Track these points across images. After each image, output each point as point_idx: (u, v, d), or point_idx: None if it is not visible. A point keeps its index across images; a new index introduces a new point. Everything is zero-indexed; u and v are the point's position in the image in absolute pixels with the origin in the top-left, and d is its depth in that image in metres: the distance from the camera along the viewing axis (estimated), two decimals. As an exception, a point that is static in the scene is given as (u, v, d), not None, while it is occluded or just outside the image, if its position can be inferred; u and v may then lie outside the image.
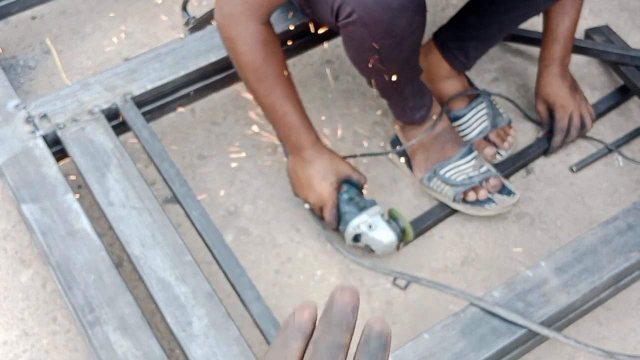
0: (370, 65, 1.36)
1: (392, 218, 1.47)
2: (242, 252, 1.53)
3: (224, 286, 1.37)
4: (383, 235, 1.44)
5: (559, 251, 1.31)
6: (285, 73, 1.40)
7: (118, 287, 1.26)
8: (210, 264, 1.42)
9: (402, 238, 1.47)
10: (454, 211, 1.58)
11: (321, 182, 1.45)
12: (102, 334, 1.20)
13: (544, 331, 1.22)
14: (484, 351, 1.20)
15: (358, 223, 1.44)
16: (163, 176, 1.43)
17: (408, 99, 1.49)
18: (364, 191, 1.51)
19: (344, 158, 1.52)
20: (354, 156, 1.61)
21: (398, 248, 1.49)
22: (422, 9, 1.31)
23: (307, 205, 1.50)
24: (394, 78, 1.40)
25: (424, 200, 1.61)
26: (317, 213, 1.49)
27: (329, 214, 1.45)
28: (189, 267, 1.29)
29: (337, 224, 1.46)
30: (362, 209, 1.45)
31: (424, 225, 1.55)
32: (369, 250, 1.46)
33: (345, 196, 1.46)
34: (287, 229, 1.58)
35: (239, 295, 1.29)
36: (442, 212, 1.57)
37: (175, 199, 1.43)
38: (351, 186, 1.48)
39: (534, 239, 1.56)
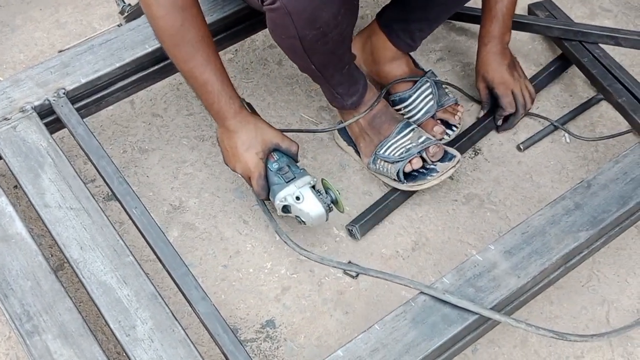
0: (294, 52, 1.32)
1: (324, 188, 1.44)
2: (189, 248, 1.49)
3: (171, 283, 1.33)
4: (311, 207, 1.40)
5: (508, 234, 1.30)
6: (207, 39, 1.34)
7: (57, 293, 1.21)
8: (155, 261, 1.38)
9: (335, 208, 1.43)
10: (404, 198, 1.55)
11: (246, 152, 1.41)
12: (41, 344, 1.15)
13: (495, 316, 1.21)
14: (436, 340, 1.18)
15: (285, 195, 1.40)
16: (101, 174, 1.37)
17: (336, 86, 1.46)
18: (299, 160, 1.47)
19: (277, 130, 1.46)
20: (290, 131, 1.56)
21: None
22: (349, 2, 1.28)
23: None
24: (319, 66, 1.36)
25: (373, 186, 1.59)
26: (247, 183, 1.45)
27: (256, 184, 1.41)
28: (130, 269, 1.24)
29: (266, 194, 1.43)
30: (290, 180, 1.40)
31: (376, 215, 1.52)
32: (299, 221, 1.43)
33: (275, 166, 1.42)
34: (235, 221, 1.54)
35: (184, 295, 1.25)
36: (393, 200, 1.54)
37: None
38: (282, 155, 1.44)
39: (483, 220, 1.55)
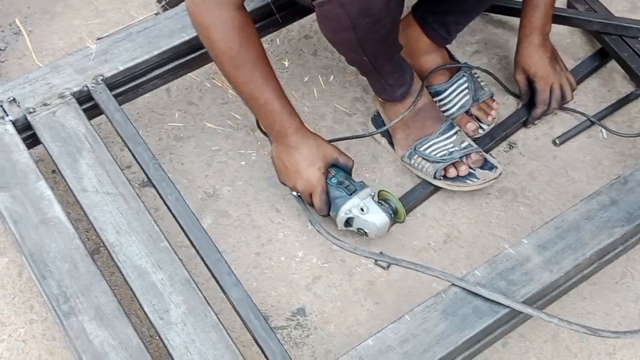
0: (347, 45, 1.32)
1: (382, 199, 1.45)
2: (222, 235, 1.51)
3: (204, 270, 1.35)
4: (376, 217, 1.41)
5: (542, 228, 1.29)
6: (264, 57, 1.35)
7: (93, 276, 1.23)
8: (189, 247, 1.40)
9: (394, 219, 1.45)
10: (437, 189, 1.55)
11: (308, 168, 1.42)
12: (78, 324, 1.18)
13: (527, 310, 1.20)
14: (467, 332, 1.18)
15: (350, 207, 1.41)
16: (137, 161, 1.39)
17: (387, 77, 1.46)
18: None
19: (330, 142, 1.49)
20: (341, 139, 1.57)
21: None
22: None
23: (294, 193, 1.47)
24: (371, 56, 1.36)
25: (405, 178, 1.59)
26: (307, 200, 1.46)
27: (319, 199, 1.42)
28: (165, 254, 1.26)
29: (328, 209, 1.44)
30: (352, 192, 1.42)
31: (407, 205, 1.52)
32: (361, 233, 1.44)
33: (334, 180, 1.44)
34: (267, 209, 1.55)
35: (217, 281, 1.27)
36: (425, 191, 1.54)
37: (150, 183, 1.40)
38: (339, 170, 1.46)
39: (517, 214, 1.54)
